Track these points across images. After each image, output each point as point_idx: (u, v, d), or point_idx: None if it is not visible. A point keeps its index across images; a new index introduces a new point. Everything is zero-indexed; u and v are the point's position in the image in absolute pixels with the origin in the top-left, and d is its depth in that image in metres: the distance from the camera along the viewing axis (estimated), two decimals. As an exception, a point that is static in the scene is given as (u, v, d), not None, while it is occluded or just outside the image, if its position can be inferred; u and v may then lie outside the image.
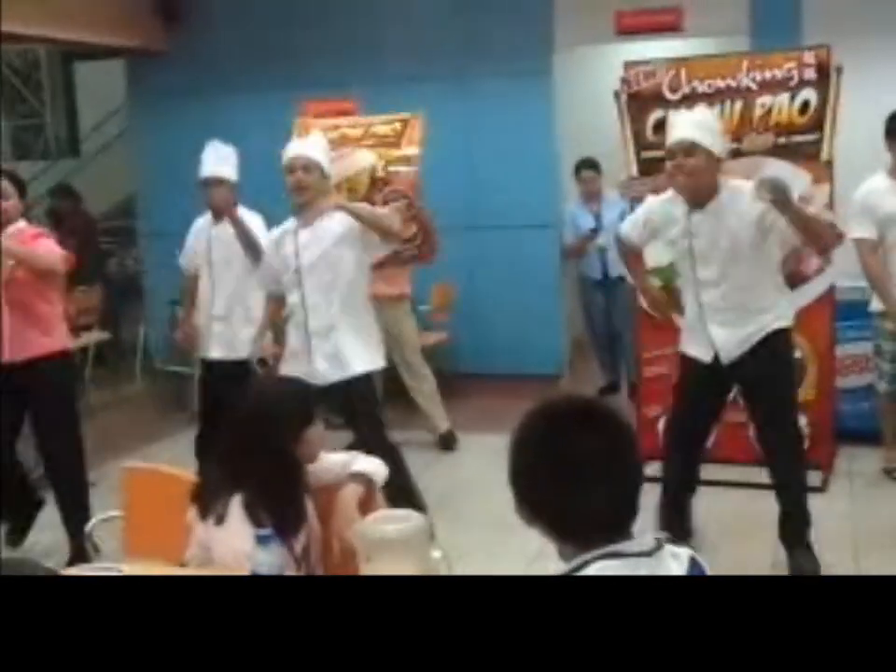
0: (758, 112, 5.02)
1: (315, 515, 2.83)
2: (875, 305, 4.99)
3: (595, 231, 6.80)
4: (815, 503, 4.25)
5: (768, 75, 5.00)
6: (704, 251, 4.03)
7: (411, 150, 5.78)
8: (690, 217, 4.03)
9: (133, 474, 3.38)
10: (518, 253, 7.35)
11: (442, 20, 7.40)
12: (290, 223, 4.40)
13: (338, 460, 2.94)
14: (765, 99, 5.02)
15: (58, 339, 4.45)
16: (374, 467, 2.94)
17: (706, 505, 4.55)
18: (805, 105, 4.97)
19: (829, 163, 5.00)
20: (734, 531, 4.50)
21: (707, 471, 4.60)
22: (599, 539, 1.63)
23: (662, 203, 4.18)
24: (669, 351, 5.31)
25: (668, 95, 5.17)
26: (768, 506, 4.23)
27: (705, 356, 4.14)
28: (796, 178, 4.75)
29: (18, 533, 4.65)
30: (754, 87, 5.03)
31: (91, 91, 10.90)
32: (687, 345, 4.26)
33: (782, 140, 5.02)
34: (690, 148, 3.90)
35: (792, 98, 4.98)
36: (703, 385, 4.19)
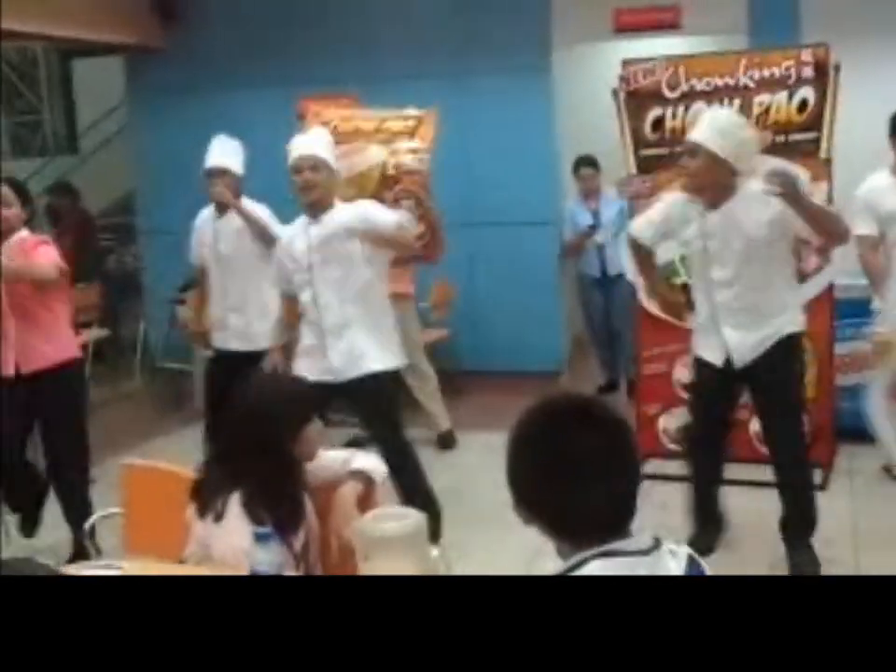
0: (756, 110, 5.01)
1: (314, 513, 2.83)
2: (878, 303, 4.99)
3: (593, 228, 6.80)
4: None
5: (766, 73, 5.00)
6: (718, 251, 4.00)
7: (423, 148, 5.74)
8: (705, 216, 4.01)
9: (131, 471, 3.39)
10: (517, 250, 7.35)
11: (441, 17, 7.39)
12: (300, 222, 4.36)
13: (337, 458, 2.94)
14: (764, 97, 5.02)
15: (62, 348, 4.42)
16: (373, 464, 2.95)
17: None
18: (804, 103, 4.97)
19: (827, 161, 5.00)
20: (733, 529, 4.49)
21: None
22: (597, 538, 1.63)
23: (678, 203, 4.15)
24: (668, 349, 5.33)
25: (667, 93, 5.17)
26: (768, 505, 4.23)
27: (717, 359, 4.11)
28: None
29: (30, 522, 4.64)
30: (752, 85, 5.03)
31: (90, 88, 10.89)
32: (699, 349, 4.23)
33: (780, 138, 5.02)
34: (694, 150, 3.90)
35: (791, 96, 4.98)
36: (717, 389, 4.17)
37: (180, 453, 5.06)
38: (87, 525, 3.54)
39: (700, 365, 4.23)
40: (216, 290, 5.23)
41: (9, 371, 4.26)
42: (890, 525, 4.52)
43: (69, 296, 4.55)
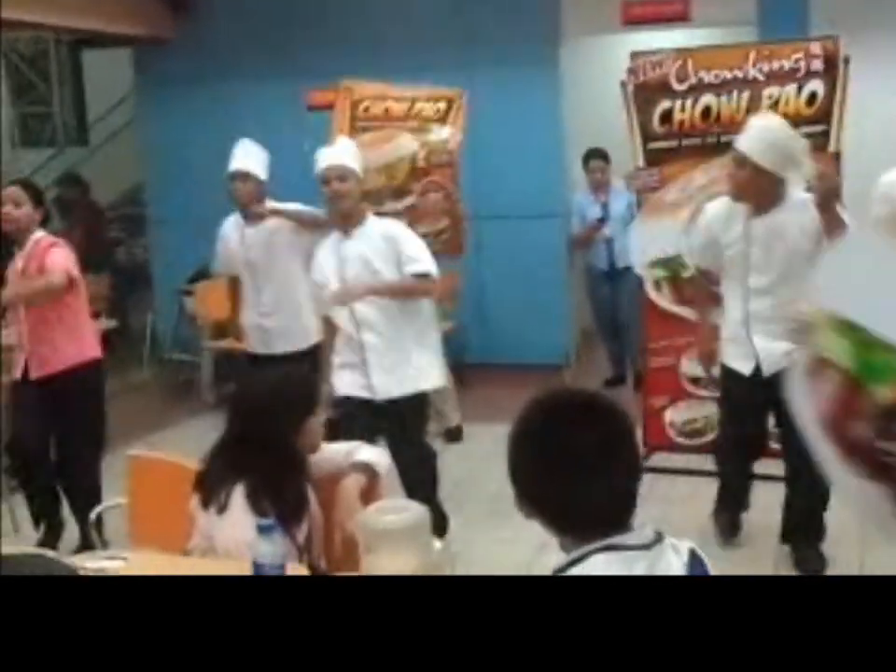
0: (765, 103, 4.99)
1: (318, 505, 2.84)
2: None
3: (602, 221, 6.79)
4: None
5: (776, 65, 4.98)
6: (759, 259, 3.95)
7: (454, 139, 5.66)
8: (750, 222, 3.96)
9: (137, 462, 3.40)
10: (524, 243, 7.33)
11: (450, 9, 7.37)
12: (331, 238, 4.30)
13: (340, 450, 2.95)
14: (773, 90, 4.99)
15: (85, 349, 4.44)
16: (377, 457, 2.95)
17: (707, 497, 4.53)
18: (813, 96, 4.94)
19: (837, 155, 4.96)
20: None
21: (708, 463, 4.61)
22: (599, 532, 1.63)
23: (721, 206, 4.11)
24: (676, 342, 5.32)
25: (675, 86, 5.14)
26: (771, 500, 4.22)
27: (746, 368, 4.06)
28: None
29: (53, 532, 4.61)
30: (761, 77, 5.00)
31: (98, 79, 10.89)
32: (727, 357, 4.18)
33: (789, 131, 4.99)
34: (741, 160, 3.85)
35: (800, 89, 4.95)
36: (747, 397, 4.12)
37: (187, 444, 5.06)
38: (93, 515, 3.55)
39: (728, 375, 4.18)
40: (248, 297, 5.13)
41: (31, 374, 4.32)
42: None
43: (84, 295, 4.55)
